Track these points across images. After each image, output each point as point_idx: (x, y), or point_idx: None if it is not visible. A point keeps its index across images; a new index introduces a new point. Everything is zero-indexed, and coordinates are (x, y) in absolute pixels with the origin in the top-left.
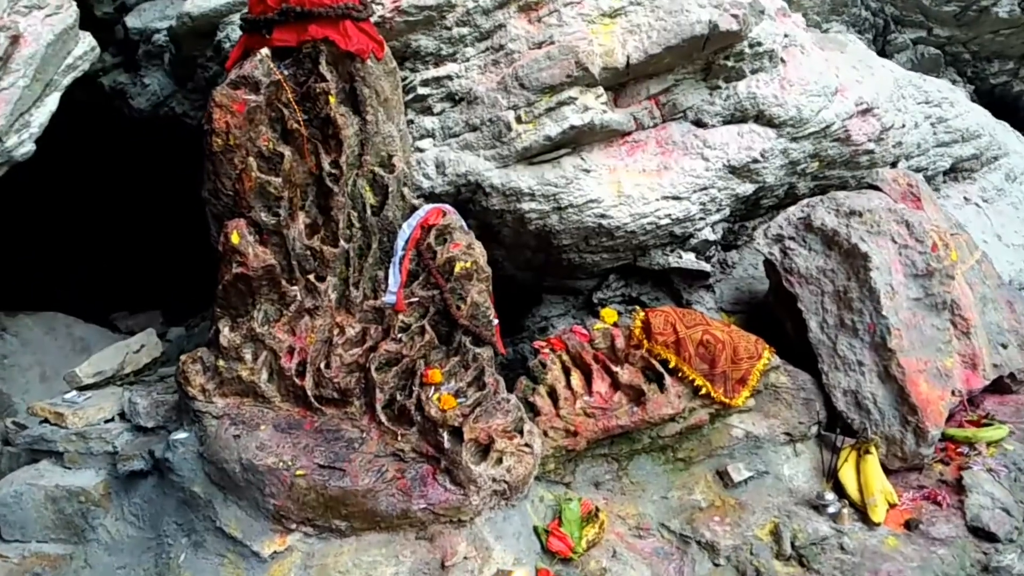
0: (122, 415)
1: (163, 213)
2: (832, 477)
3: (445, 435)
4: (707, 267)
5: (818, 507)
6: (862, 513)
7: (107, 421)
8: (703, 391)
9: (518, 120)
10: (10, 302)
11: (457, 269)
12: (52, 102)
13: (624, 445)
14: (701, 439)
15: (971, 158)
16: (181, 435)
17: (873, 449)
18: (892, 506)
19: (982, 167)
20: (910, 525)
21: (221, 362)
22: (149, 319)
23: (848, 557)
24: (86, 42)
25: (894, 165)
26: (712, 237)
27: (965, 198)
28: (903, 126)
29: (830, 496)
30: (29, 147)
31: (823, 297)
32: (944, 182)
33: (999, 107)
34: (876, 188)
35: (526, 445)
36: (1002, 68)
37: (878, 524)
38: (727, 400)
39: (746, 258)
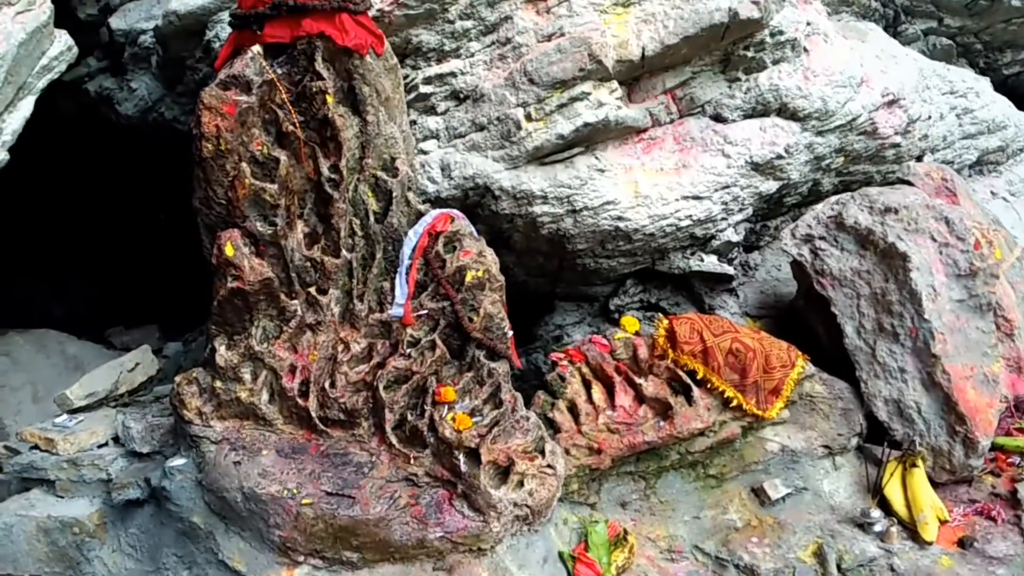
0: (116, 439)
1: (157, 223)
2: (878, 493)
3: (461, 457)
4: (730, 270)
5: (863, 525)
6: (911, 531)
7: (100, 446)
8: (734, 403)
9: (528, 118)
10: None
11: (468, 278)
12: (26, 107)
13: (651, 462)
14: (733, 454)
15: (997, 150)
16: (178, 461)
17: (919, 462)
18: (943, 523)
19: (1008, 159)
20: (964, 543)
21: (218, 383)
22: (145, 334)
23: None
24: (62, 41)
25: (919, 159)
26: (735, 238)
27: (992, 192)
28: (929, 118)
29: (876, 513)
30: (2, 156)
31: (859, 300)
32: (970, 175)
33: (1012, 98)
34: (908, 183)
35: (548, 466)
36: (1014, 58)
37: (930, 543)
38: (760, 412)
39: (768, 259)
